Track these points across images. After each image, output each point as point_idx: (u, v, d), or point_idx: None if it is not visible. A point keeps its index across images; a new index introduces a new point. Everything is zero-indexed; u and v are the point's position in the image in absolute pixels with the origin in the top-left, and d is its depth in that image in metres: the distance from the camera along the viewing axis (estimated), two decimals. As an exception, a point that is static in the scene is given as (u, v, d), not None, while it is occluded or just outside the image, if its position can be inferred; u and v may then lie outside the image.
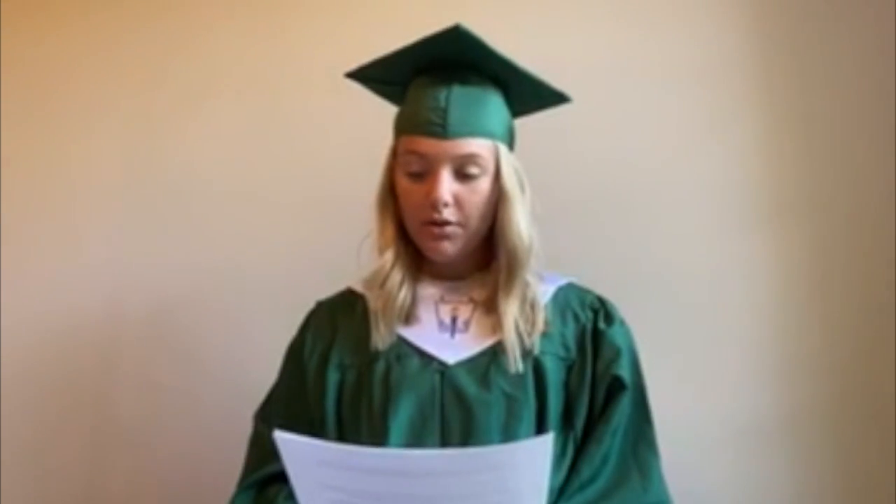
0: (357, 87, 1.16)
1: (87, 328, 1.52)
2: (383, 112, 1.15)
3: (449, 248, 1.04)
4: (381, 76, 1.12)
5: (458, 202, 1.02)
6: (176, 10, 1.60)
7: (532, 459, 0.82)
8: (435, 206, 1.01)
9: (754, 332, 1.35)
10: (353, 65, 1.12)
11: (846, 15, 1.37)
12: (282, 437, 0.84)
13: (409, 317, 1.07)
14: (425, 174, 1.03)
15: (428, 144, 1.02)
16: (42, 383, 1.52)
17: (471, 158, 1.02)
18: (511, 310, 1.03)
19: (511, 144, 1.10)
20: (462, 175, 1.02)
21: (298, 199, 1.50)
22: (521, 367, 1.01)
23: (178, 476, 1.45)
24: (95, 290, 1.53)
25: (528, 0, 1.48)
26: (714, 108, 1.40)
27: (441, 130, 1.01)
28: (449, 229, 1.03)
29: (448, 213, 1.02)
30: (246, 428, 1.14)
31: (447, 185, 1.02)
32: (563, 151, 1.39)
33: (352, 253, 1.08)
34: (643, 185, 1.40)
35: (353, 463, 0.85)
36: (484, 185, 1.03)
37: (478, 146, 1.03)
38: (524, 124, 1.14)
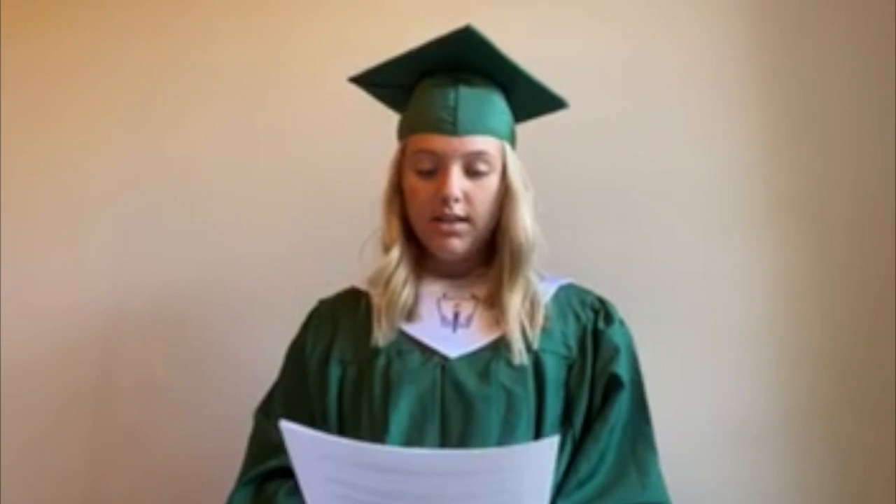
0: (360, 88, 1.16)
1: (87, 328, 1.52)
2: (386, 113, 1.15)
3: (458, 244, 1.06)
4: (386, 80, 1.12)
5: (468, 198, 1.04)
6: (178, 13, 1.60)
7: (536, 462, 0.82)
8: (446, 201, 1.03)
9: (753, 331, 1.35)
10: (356, 65, 1.12)
11: (846, 15, 1.38)
12: (288, 428, 0.84)
13: (411, 314, 1.08)
14: (435, 172, 1.05)
15: (439, 141, 1.04)
16: (42, 383, 1.51)
17: (480, 156, 1.04)
18: (514, 303, 1.05)
19: (514, 144, 1.11)
20: (471, 172, 1.05)
21: (299, 200, 1.50)
22: (525, 358, 1.02)
23: (179, 475, 1.45)
24: (95, 290, 1.53)
25: (528, 1, 1.48)
26: (714, 108, 1.41)
27: (452, 128, 1.04)
28: (459, 226, 1.05)
29: (458, 209, 1.04)
30: (246, 427, 1.13)
31: (457, 182, 1.03)
32: (562, 151, 1.40)
33: (353, 254, 1.09)
34: (642, 185, 1.41)
35: (357, 459, 0.85)
36: (492, 182, 1.06)
37: (486, 144, 1.05)
38: (524, 124, 1.15)
